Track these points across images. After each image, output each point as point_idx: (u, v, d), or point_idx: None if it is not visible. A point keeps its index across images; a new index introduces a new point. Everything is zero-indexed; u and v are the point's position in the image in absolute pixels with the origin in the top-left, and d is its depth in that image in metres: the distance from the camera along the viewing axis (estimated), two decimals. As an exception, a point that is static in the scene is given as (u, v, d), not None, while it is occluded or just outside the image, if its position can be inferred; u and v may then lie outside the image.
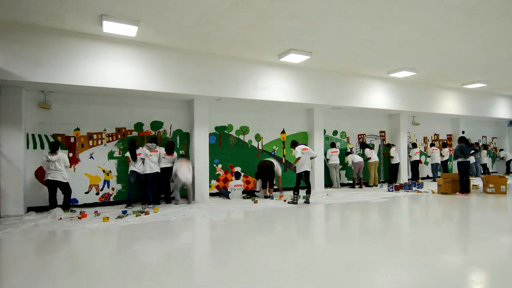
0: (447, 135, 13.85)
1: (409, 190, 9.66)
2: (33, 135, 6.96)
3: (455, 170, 13.39)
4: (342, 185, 10.89)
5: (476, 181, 10.84)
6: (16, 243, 4.61)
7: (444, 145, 12.91)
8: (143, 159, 7.29)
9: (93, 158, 7.46)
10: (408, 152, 12.08)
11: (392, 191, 9.63)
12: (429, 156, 12.78)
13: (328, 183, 10.54)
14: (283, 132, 10.00)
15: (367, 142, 11.61)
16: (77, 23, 6.01)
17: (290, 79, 8.88)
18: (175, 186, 7.62)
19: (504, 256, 4.01)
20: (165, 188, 7.74)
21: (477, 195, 8.76)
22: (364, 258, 3.77)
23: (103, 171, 7.55)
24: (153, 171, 7.33)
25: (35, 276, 3.34)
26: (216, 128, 8.89)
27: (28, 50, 6.05)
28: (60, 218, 6.06)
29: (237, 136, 9.23)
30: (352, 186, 10.59)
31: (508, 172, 14.37)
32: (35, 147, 6.97)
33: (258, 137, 9.55)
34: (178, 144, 8.41)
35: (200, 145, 8.18)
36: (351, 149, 11.14)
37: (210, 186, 8.54)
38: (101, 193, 7.55)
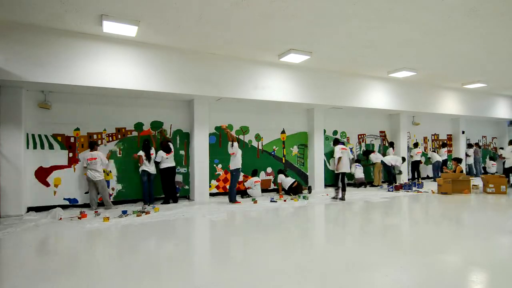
0: (447, 135, 13.85)
1: (409, 190, 9.66)
2: (33, 135, 6.96)
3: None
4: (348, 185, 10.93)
5: (476, 181, 10.84)
6: (16, 243, 4.61)
7: (444, 145, 12.89)
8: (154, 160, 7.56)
9: (93, 158, 7.46)
10: (409, 152, 12.08)
11: (392, 191, 9.64)
12: (429, 158, 12.79)
13: (331, 183, 10.60)
14: (283, 132, 10.00)
15: (367, 142, 11.61)
16: (77, 23, 6.01)
17: (290, 79, 8.88)
18: None
19: (504, 256, 4.01)
20: (171, 188, 7.78)
21: (477, 195, 8.77)
22: (364, 258, 3.77)
23: (103, 171, 7.54)
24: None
25: (35, 276, 3.34)
26: (216, 128, 8.89)
27: (28, 50, 6.06)
28: (60, 218, 6.06)
29: (237, 136, 9.23)
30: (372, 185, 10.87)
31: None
32: (35, 147, 6.97)
33: (258, 137, 9.55)
34: (178, 144, 8.42)
35: (200, 145, 8.18)
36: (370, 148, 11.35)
37: (210, 186, 8.54)
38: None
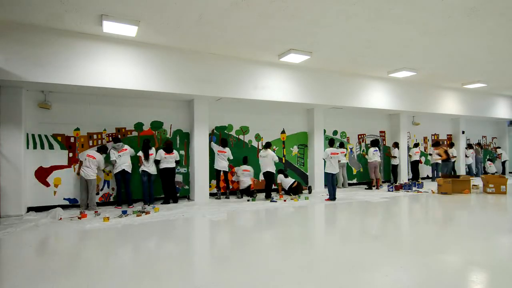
0: (447, 135, 13.85)
1: (409, 190, 9.67)
2: (33, 135, 6.96)
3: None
4: (349, 184, 10.95)
5: (476, 181, 10.84)
6: (16, 243, 4.61)
7: (451, 145, 12.84)
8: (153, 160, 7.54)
9: (93, 158, 7.46)
10: (408, 152, 12.08)
11: (392, 191, 9.64)
12: (430, 154, 12.79)
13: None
14: (283, 132, 10.00)
15: (367, 142, 11.60)
16: (77, 23, 6.01)
17: (290, 79, 8.88)
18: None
19: (504, 256, 4.01)
20: (171, 188, 7.79)
21: (477, 195, 8.77)
22: (364, 258, 3.77)
23: (103, 171, 7.55)
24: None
25: (35, 276, 3.34)
26: (216, 128, 8.89)
27: (28, 50, 6.05)
28: (60, 218, 6.06)
29: (237, 136, 9.23)
30: (369, 187, 10.43)
31: (503, 173, 14.36)
32: (35, 147, 6.97)
33: (258, 137, 9.55)
34: (178, 144, 8.41)
35: (200, 145, 8.18)
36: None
37: (210, 186, 8.54)
38: (101, 193, 7.56)
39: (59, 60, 6.28)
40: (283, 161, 9.94)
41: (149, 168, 7.43)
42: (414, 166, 11.96)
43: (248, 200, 8.08)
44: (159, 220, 5.92)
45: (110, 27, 6.04)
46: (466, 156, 13.60)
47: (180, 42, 7.06)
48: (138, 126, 7.98)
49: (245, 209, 6.97)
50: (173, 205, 7.45)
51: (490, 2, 5.34)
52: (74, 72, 6.38)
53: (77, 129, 7.37)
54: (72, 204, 7.20)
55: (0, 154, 6.33)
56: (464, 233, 5.18)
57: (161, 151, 7.62)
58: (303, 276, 3.26)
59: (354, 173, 11.12)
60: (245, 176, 8.69)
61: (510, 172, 14.95)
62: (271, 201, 7.95)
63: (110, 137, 7.65)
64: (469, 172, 13.58)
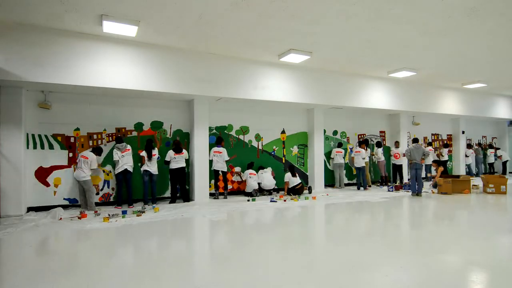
0: (447, 135, 13.85)
1: (409, 190, 9.65)
2: (33, 135, 6.96)
3: (455, 171, 13.45)
4: (346, 185, 10.95)
5: (476, 181, 10.84)
6: (16, 243, 4.61)
7: (446, 145, 12.88)
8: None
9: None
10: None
11: (392, 191, 9.64)
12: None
13: (332, 183, 10.64)
14: (283, 132, 10.00)
15: (374, 142, 11.59)
16: (77, 23, 6.01)
17: (290, 79, 8.88)
18: None
19: (504, 256, 4.01)
20: (182, 188, 7.91)
21: (477, 195, 8.76)
22: (364, 258, 3.77)
23: (103, 171, 7.55)
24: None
25: (35, 276, 3.34)
26: (216, 128, 8.89)
27: (28, 50, 6.06)
28: (60, 218, 6.06)
29: (237, 136, 9.23)
30: (381, 184, 10.93)
31: (504, 173, 14.36)
32: (35, 147, 6.97)
33: (258, 137, 9.55)
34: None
35: (200, 145, 8.18)
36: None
37: (210, 186, 8.54)
38: (101, 193, 7.56)
39: (59, 60, 6.28)
40: (283, 161, 9.94)
41: (151, 168, 7.41)
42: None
43: (248, 200, 8.08)
44: (159, 220, 5.92)
45: (110, 27, 6.04)
46: (466, 156, 13.60)
47: (180, 42, 7.06)
48: (138, 126, 7.98)
49: (245, 209, 6.97)
50: (174, 205, 7.43)
51: (490, 2, 5.34)
52: (74, 72, 6.38)
53: (77, 129, 7.37)
54: (72, 204, 7.20)
55: (0, 154, 6.33)
56: (464, 233, 5.18)
57: (171, 152, 7.65)
58: (303, 276, 3.26)
59: (354, 173, 11.11)
60: (253, 179, 8.77)
61: (510, 172, 14.95)
62: (271, 201, 7.95)
63: (110, 137, 7.66)
64: (469, 172, 13.59)
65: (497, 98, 13.81)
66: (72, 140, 7.32)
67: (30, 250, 4.39)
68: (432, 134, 13.43)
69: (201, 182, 8.15)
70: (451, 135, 13.89)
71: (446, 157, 12.76)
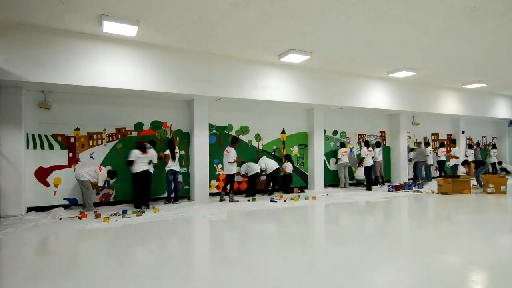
0: (447, 135, 13.85)
1: (409, 190, 9.67)
2: (33, 135, 6.96)
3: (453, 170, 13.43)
4: (350, 184, 10.99)
5: (476, 181, 10.83)
6: (16, 243, 4.61)
7: (441, 145, 12.86)
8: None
9: (93, 158, 7.46)
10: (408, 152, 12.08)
11: (392, 191, 9.64)
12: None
13: (331, 183, 10.64)
14: (283, 132, 10.00)
15: (373, 142, 11.59)
16: (77, 23, 6.01)
17: (290, 79, 8.88)
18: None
19: (504, 256, 4.01)
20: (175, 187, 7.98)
21: (477, 195, 8.77)
22: (364, 258, 3.77)
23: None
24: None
25: (35, 276, 3.34)
26: (216, 128, 8.89)
27: (28, 50, 6.05)
28: (60, 218, 6.06)
29: (237, 136, 9.22)
30: (374, 183, 10.90)
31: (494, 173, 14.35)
32: (35, 147, 6.97)
33: (258, 137, 9.55)
34: (178, 144, 8.41)
35: (200, 145, 8.18)
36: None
37: (210, 186, 8.54)
38: (101, 193, 7.56)
39: (59, 60, 6.28)
40: (283, 161, 9.93)
41: (176, 166, 7.68)
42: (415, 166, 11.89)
43: (248, 200, 8.08)
44: (159, 220, 5.92)
45: (110, 27, 6.04)
46: (466, 156, 13.59)
47: (180, 42, 7.06)
48: (138, 126, 7.98)
49: (245, 209, 6.97)
50: (173, 205, 7.45)
51: (490, 2, 5.34)
52: (74, 72, 6.38)
53: (77, 129, 7.37)
54: (72, 204, 7.20)
55: (0, 154, 6.33)
56: (464, 233, 5.18)
57: (136, 151, 7.41)
58: (303, 276, 3.26)
59: (354, 173, 11.11)
60: (255, 165, 8.92)
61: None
62: (271, 201, 7.95)
63: (110, 137, 7.66)
64: None
65: (497, 98, 13.81)
66: (72, 140, 7.32)
67: (30, 250, 4.39)
68: (432, 134, 13.43)
69: (201, 182, 8.15)
70: (451, 135, 13.89)
71: (464, 157, 12.75)
